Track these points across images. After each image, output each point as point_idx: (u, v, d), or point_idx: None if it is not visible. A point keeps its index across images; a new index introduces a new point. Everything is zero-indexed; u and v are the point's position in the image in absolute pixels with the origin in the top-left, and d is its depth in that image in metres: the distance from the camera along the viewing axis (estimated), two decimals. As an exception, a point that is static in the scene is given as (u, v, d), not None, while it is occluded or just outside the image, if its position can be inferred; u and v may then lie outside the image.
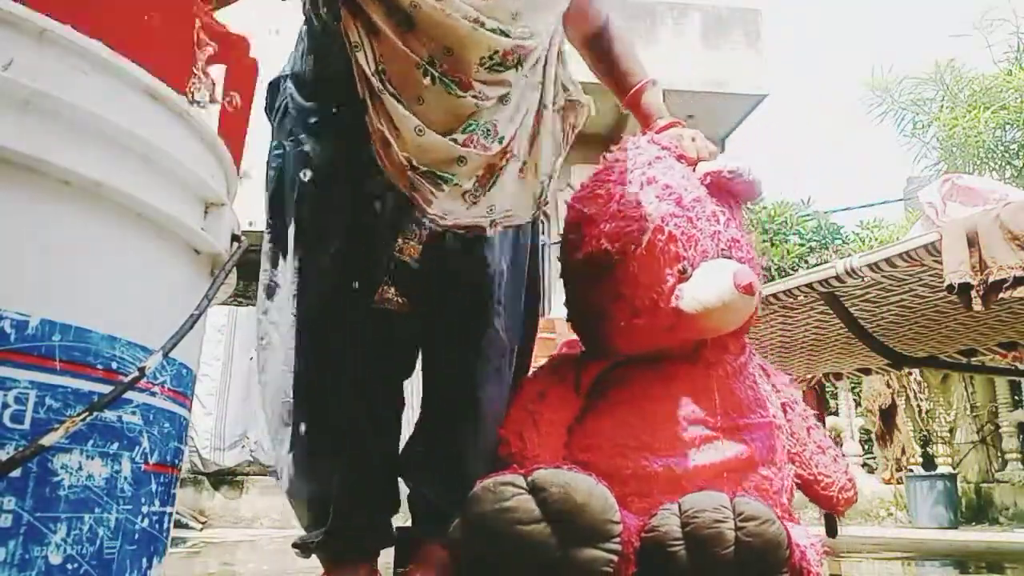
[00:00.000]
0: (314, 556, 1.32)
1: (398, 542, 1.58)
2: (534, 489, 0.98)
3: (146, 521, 0.70)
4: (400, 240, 1.32)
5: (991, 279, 1.86)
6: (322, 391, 1.27)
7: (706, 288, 1.25)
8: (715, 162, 1.41)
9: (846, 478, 1.48)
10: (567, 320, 1.49)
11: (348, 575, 1.25)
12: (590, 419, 1.33)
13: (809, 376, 3.71)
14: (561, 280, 1.47)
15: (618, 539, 0.99)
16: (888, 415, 6.11)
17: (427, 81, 1.15)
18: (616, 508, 1.01)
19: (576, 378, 1.37)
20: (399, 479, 1.39)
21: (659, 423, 1.26)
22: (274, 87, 1.45)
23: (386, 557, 1.38)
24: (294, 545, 1.34)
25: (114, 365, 0.65)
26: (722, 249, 1.32)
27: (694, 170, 1.41)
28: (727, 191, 1.41)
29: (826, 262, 3.00)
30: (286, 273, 1.30)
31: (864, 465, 6.53)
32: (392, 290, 1.33)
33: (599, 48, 1.59)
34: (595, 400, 1.35)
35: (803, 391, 5.15)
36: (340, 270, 1.26)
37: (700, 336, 1.32)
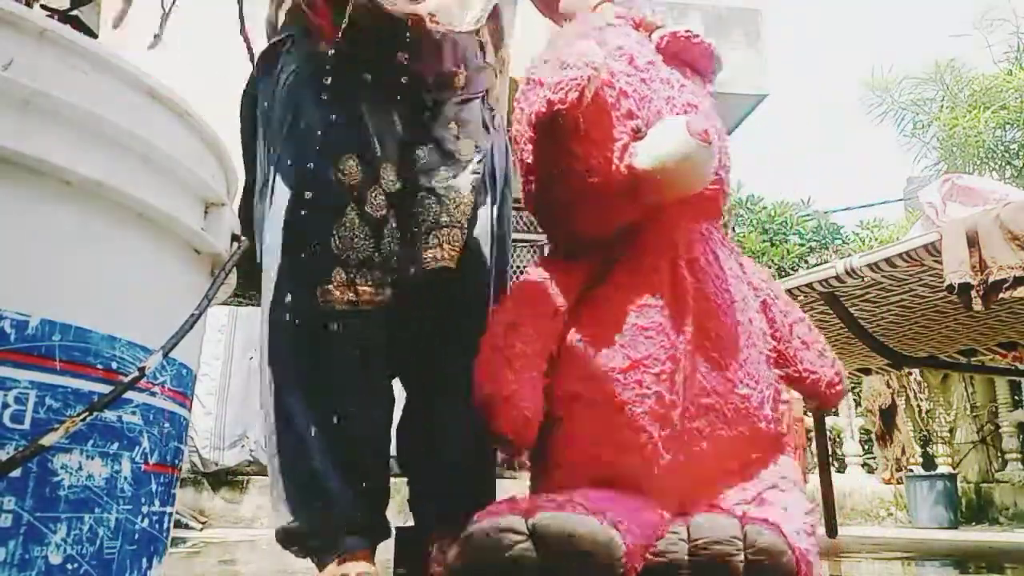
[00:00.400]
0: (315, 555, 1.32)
1: (398, 542, 1.59)
2: (535, 536, 0.92)
3: (146, 521, 0.70)
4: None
5: (991, 279, 1.86)
6: (309, 386, 1.28)
7: (660, 141, 1.18)
8: (671, 26, 1.38)
9: (833, 372, 1.40)
10: (534, 214, 1.40)
11: (348, 566, 1.24)
12: (576, 344, 1.23)
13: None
14: (521, 176, 1.36)
15: (622, 573, 0.94)
16: (888, 415, 6.11)
17: None
18: (621, 547, 0.94)
19: (553, 301, 1.26)
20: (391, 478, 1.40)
21: (647, 339, 1.18)
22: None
23: (385, 555, 1.38)
24: (280, 538, 1.34)
25: (114, 365, 0.65)
26: (677, 113, 1.25)
27: (649, 37, 1.37)
28: (685, 61, 1.37)
29: (826, 262, 3.00)
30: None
31: (864, 465, 6.52)
32: (368, 288, 1.29)
33: None
34: (578, 322, 1.25)
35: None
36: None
37: (661, 197, 1.22)
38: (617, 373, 1.18)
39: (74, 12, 1.21)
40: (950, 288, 1.94)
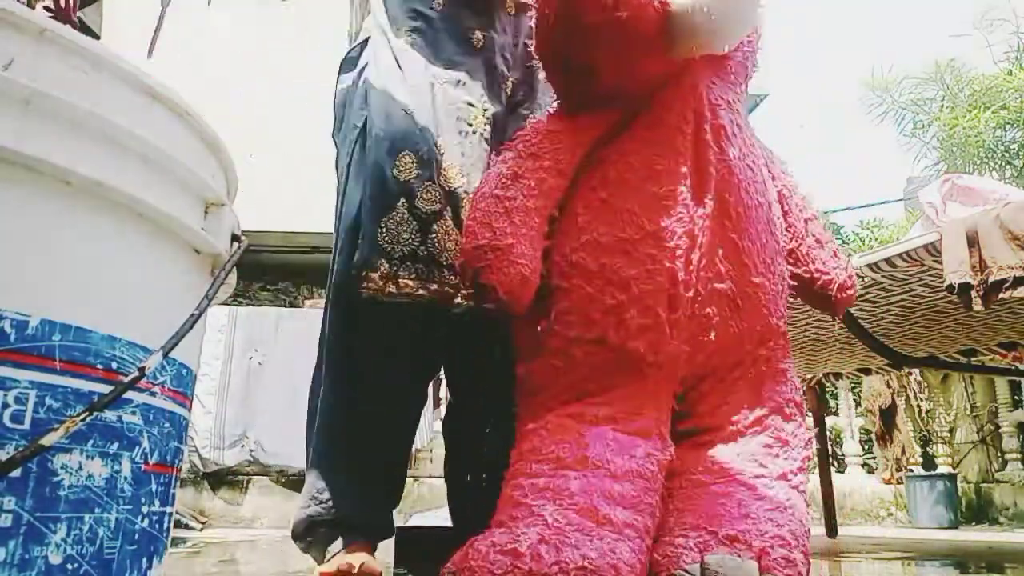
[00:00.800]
0: (314, 553, 1.34)
1: (398, 542, 1.60)
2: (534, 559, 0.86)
3: (146, 521, 0.70)
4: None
5: (991, 279, 1.86)
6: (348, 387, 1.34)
7: None
8: None
9: (846, 274, 1.29)
10: (543, 60, 1.22)
11: (347, 556, 1.27)
12: (581, 207, 1.10)
13: (809, 376, 3.71)
14: (535, 25, 1.18)
15: None
16: (888, 415, 6.11)
17: None
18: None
19: (558, 156, 1.11)
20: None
21: (663, 207, 1.05)
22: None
23: (386, 556, 1.38)
24: (294, 528, 1.37)
25: (114, 365, 0.65)
26: None
27: None
28: None
29: (826, 262, 3.00)
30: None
31: (864, 465, 6.52)
32: (408, 279, 1.30)
33: None
34: (586, 183, 1.12)
35: (803, 391, 5.15)
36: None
37: (693, 45, 1.06)
38: (626, 243, 1.05)
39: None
40: (950, 288, 1.94)
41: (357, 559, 1.24)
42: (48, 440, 0.57)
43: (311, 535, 1.33)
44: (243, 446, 4.92)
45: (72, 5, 1.05)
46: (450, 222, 1.31)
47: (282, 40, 5.72)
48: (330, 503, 1.30)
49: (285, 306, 5.56)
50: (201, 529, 4.49)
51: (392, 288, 1.27)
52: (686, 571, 0.93)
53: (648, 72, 1.11)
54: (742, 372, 1.13)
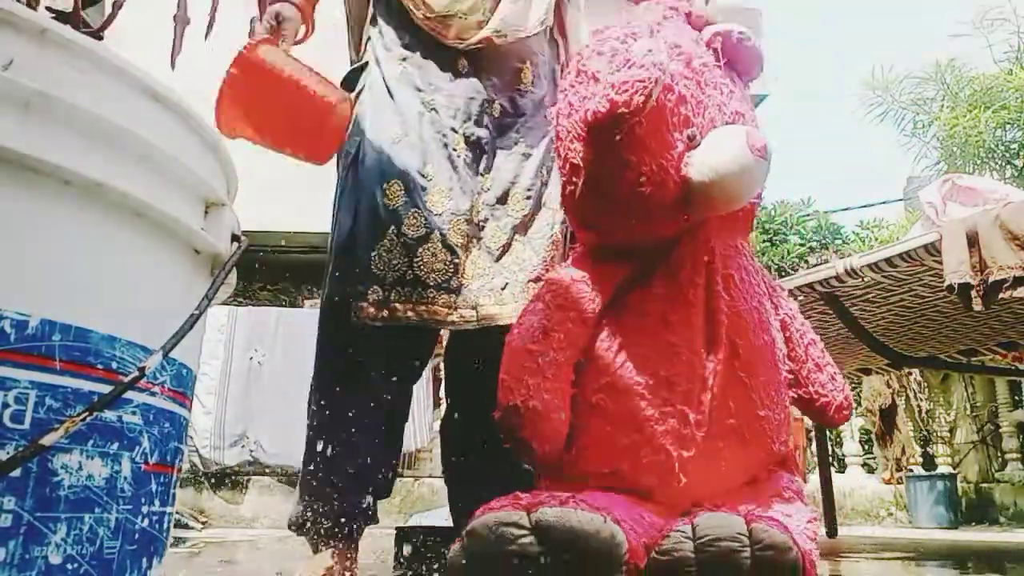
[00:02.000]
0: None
1: (397, 542, 1.61)
2: (538, 531, 0.91)
3: (146, 521, 0.70)
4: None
5: (991, 279, 1.86)
6: (338, 392, 1.39)
7: (718, 152, 1.14)
8: (725, 23, 1.33)
9: (843, 396, 1.41)
10: (565, 219, 1.39)
11: (335, 554, 1.33)
12: (603, 351, 1.19)
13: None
14: (562, 172, 1.27)
15: (625, 570, 0.94)
16: (888, 415, 6.11)
17: None
18: (624, 544, 0.94)
19: (583, 306, 1.21)
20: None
21: (676, 355, 1.15)
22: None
23: (386, 557, 1.39)
24: (290, 525, 1.42)
25: (114, 365, 0.65)
26: (727, 121, 1.22)
27: (701, 33, 1.32)
28: (731, 61, 1.33)
29: (826, 262, 3.00)
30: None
31: (864, 465, 6.52)
32: (403, 306, 1.35)
33: None
34: (608, 328, 1.21)
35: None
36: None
37: (712, 210, 1.19)
38: (642, 389, 1.13)
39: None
40: (950, 288, 1.94)
41: (322, 563, 1.30)
42: (48, 440, 0.57)
43: (301, 532, 1.40)
44: (243, 446, 4.92)
45: (77, 5, 1.05)
46: (437, 244, 1.36)
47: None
48: (313, 505, 1.36)
49: (285, 306, 5.56)
50: (201, 529, 4.49)
51: (384, 313, 1.33)
52: (678, 530, 0.98)
53: (668, 231, 1.22)
54: (746, 488, 1.22)
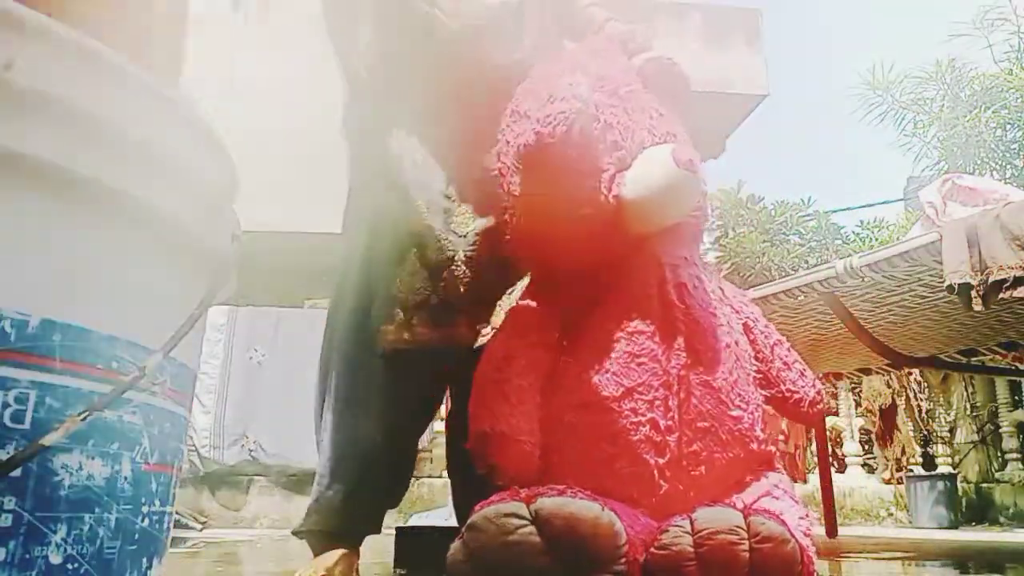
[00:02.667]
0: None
1: (398, 542, 1.61)
2: (538, 520, 0.93)
3: (146, 521, 0.70)
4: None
5: (991, 279, 1.86)
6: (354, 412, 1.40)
7: (647, 172, 1.21)
8: (652, 52, 1.44)
9: (814, 391, 1.45)
10: (515, 251, 1.39)
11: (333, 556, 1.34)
12: (569, 373, 1.24)
13: (809, 376, 3.71)
14: (505, 207, 1.34)
15: (624, 561, 0.95)
16: (888, 415, 6.11)
17: None
18: (623, 533, 0.96)
19: (543, 333, 1.28)
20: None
21: (639, 365, 1.19)
22: None
23: (386, 557, 1.39)
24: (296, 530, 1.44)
25: (114, 365, 0.65)
26: (658, 142, 1.28)
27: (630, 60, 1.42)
28: (663, 88, 1.41)
29: (826, 262, 3.00)
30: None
31: (864, 465, 6.52)
32: (419, 327, 1.35)
33: None
34: (570, 349, 1.26)
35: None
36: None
37: (648, 226, 1.25)
38: (611, 402, 1.17)
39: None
40: (950, 288, 1.94)
41: (323, 564, 1.31)
42: (48, 440, 0.57)
43: (303, 537, 1.42)
44: (243, 445, 4.92)
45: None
46: (462, 267, 1.35)
47: (283, 39, 5.71)
48: (322, 516, 1.38)
49: (285, 306, 5.56)
50: (201, 529, 4.49)
51: (407, 335, 1.33)
52: (677, 525, 1.00)
53: (609, 250, 1.28)
54: (734, 489, 1.24)
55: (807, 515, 1.18)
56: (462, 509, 1.54)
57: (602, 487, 1.15)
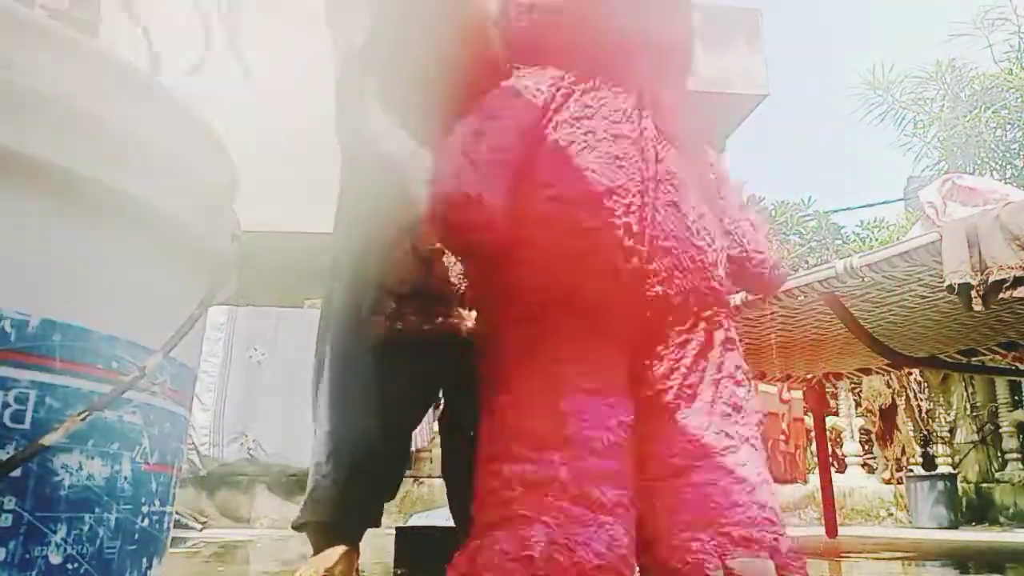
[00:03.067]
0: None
1: (398, 542, 1.61)
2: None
3: (146, 521, 0.70)
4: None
5: (991, 279, 1.86)
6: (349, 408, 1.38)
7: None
8: None
9: (777, 255, 1.42)
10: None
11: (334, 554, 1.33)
12: (546, 164, 1.20)
13: (809, 376, 3.71)
14: None
15: None
16: (888, 415, 6.11)
17: None
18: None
19: (518, 116, 1.21)
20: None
21: (618, 168, 1.19)
22: None
23: (386, 557, 1.39)
24: (293, 525, 1.44)
25: (114, 365, 0.65)
26: None
27: None
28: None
29: (826, 262, 3.00)
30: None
31: (864, 465, 6.52)
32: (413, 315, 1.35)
33: None
34: (549, 143, 1.22)
35: (803, 391, 5.16)
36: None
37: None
38: (588, 198, 1.14)
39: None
40: (950, 288, 1.94)
41: (323, 564, 1.30)
42: (48, 440, 0.57)
43: (303, 530, 1.41)
44: (242, 444, 4.92)
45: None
46: (452, 257, 1.36)
47: (283, 39, 5.71)
48: (319, 507, 1.37)
49: (285, 306, 5.56)
50: (201, 529, 4.49)
51: (399, 326, 1.33)
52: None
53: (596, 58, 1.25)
54: (691, 336, 1.21)
55: (760, 416, 1.20)
56: (457, 512, 1.54)
57: (565, 287, 1.14)
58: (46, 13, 1.02)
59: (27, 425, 0.58)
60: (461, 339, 1.36)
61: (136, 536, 0.68)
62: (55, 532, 0.59)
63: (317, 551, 1.37)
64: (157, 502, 0.72)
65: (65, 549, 0.60)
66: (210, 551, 2.82)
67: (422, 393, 1.46)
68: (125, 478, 0.66)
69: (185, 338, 0.70)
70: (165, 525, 0.75)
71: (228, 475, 4.98)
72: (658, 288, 1.16)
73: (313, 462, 1.42)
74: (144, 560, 0.70)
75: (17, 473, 0.57)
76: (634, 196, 1.15)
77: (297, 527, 1.43)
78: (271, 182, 5.00)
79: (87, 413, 0.61)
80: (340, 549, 1.34)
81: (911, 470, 6.02)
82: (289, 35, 5.99)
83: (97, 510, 0.63)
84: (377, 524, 1.44)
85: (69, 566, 0.60)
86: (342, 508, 1.36)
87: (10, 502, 0.56)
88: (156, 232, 0.71)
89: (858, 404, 6.65)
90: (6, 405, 0.57)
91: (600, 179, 1.15)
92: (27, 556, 0.57)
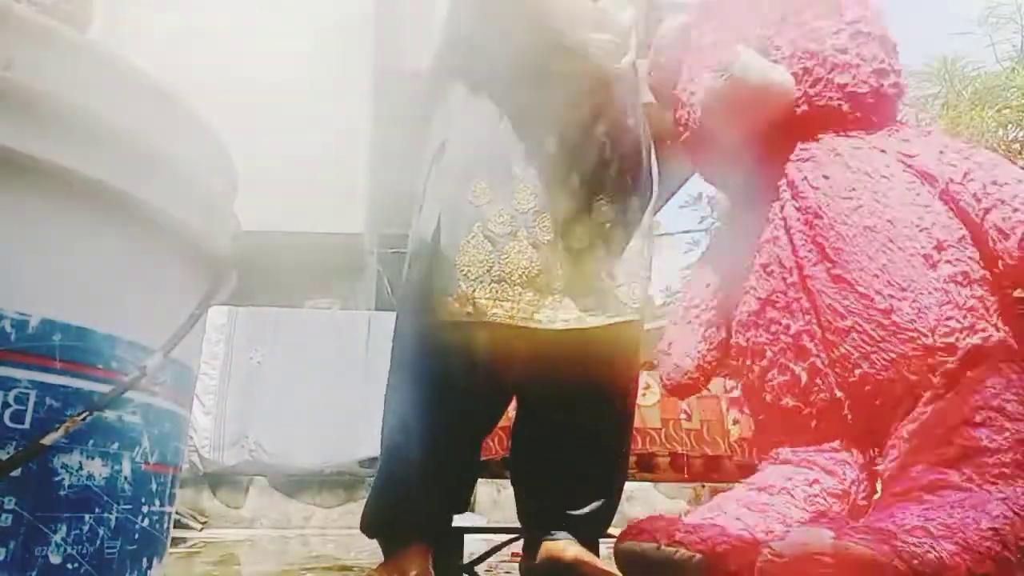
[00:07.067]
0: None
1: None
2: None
3: (146, 521, 0.70)
4: None
5: (992, 279, 1.85)
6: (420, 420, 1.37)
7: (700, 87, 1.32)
8: None
9: None
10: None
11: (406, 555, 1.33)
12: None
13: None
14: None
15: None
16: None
17: None
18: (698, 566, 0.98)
19: (717, 259, 1.41)
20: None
21: (766, 275, 1.29)
22: None
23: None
24: (361, 525, 1.44)
25: (114, 365, 0.65)
26: (757, 47, 1.33)
27: None
28: None
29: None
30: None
31: (865, 465, 6.52)
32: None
33: None
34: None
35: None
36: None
37: (730, 135, 1.32)
38: (753, 316, 1.22)
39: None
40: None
41: (410, 567, 1.29)
42: (48, 440, 0.57)
43: (377, 530, 1.40)
44: (243, 446, 4.92)
45: None
46: (524, 242, 1.34)
47: (284, 40, 5.72)
48: (395, 503, 1.37)
49: (285, 306, 5.56)
50: (201, 529, 4.49)
51: (469, 308, 1.31)
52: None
53: (760, 152, 1.29)
54: (916, 415, 1.06)
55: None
56: (528, 518, 1.52)
57: (763, 401, 1.21)
58: (35, 8, 1.02)
59: (27, 425, 0.58)
60: (538, 329, 1.33)
61: (136, 536, 0.68)
62: (55, 532, 0.59)
63: (388, 552, 1.36)
64: (157, 502, 0.72)
65: (65, 549, 0.60)
66: (210, 551, 2.82)
67: (488, 383, 1.40)
68: (125, 478, 0.66)
69: (185, 338, 0.70)
70: (165, 525, 0.75)
71: (228, 475, 4.99)
72: (857, 371, 1.08)
73: (380, 460, 1.42)
74: (144, 560, 0.70)
75: (17, 473, 0.57)
76: (787, 295, 1.18)
77: (365, 530, 1.41)
78: (271, 182, 5.01)
79: (87, 413, 0.61)
80: (412, 548, 1.32)
81: (912, 470, 6.00)
82: (289, 36, 6.00)
83: (97, 510, 0.63)
84: (445, 525, 1.44)
85: (69, 566, 0.60)
86: (408, 506, 1.35)
87: (10, 502, 0.56)
88: (156, 232, 0.71)
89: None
90: (6, 405, 0.57)
91: (758, 294, 1.24)
92: (27, 556, 0.57)
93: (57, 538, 0.59)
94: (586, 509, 1.41)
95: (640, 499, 4.92)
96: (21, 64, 0.59)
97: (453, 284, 1.32)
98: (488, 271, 1.32)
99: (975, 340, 1.05)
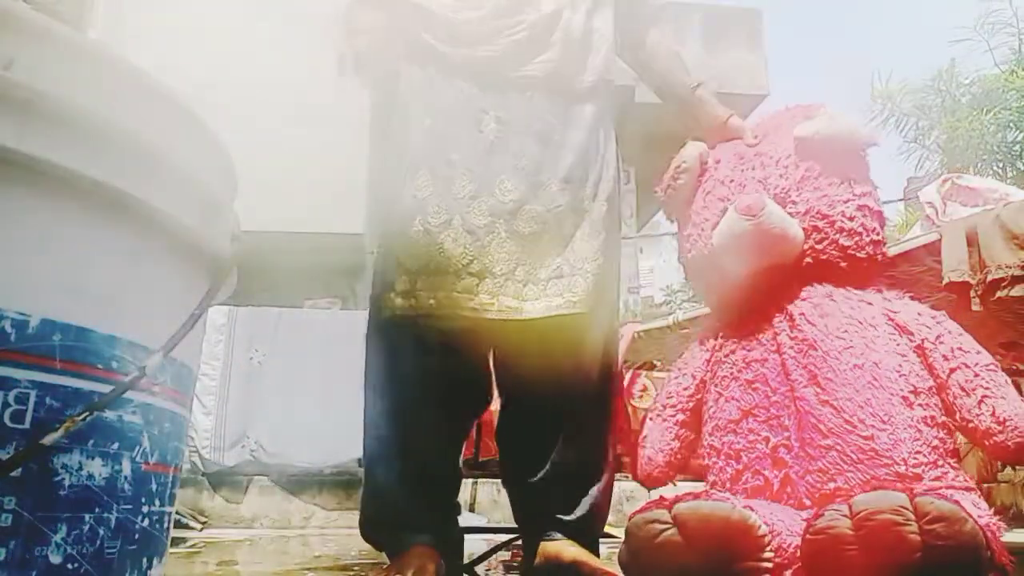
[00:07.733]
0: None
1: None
2: (677, 522, 1.03)
3: (146, 521, 0.70)
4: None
5: (989, 277, 1.86)
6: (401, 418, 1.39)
7: (724, 220, 1.38)
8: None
9: (991, 420, 1.28)
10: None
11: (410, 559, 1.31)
12: (710, 400, 1.44)
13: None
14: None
15: (770, 549, 1.01)
16: (888, 415, 6.10)
17: None
18: (760, 525, 1.02)
19: (693, 366, 1.51)
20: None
21: (753, 391, 1.36)
22: None
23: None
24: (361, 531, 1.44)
25: (114, 365, 0.65)
26: (775, 195, 1.41)
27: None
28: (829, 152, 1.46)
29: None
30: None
31: (864, 465, 6.52)
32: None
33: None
34: (711, 382, 1.46)
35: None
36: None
37: (735, 269, 1.41)
38: (732, 424, 1.35)
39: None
40: (949, 287, 1.94)
41: (408, 568, 1.27)
42: (48, 440, 0.57)
43: (377, 534, 1.40)
44: (243, 446, 4.92)
45: None
46: (458, 229, 1.32)
47: (285, 40, 5.72)
48: (380, 507, 1.37)
49: (285, 306, 5.56)
50: (201, 529, 4.49)
51: (412, 302, 1.31)
52: (834, 509, 0.98)
53: (732, 288, 1.46)
54: None
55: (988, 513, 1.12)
56: (522, 522, 1.52)
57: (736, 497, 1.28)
58: (29, 6, 1.02)
59: (27, 425, 0.58)
60: (495, 321, 1.31)
61: (136, 536, 0.68)
62: (55, 532, 0.59)
63: (391, 553, 1.35)
64: (157, 502, 0.72)
65: (65, 549, 0.60)
66: (210, 551, 2.82)
67: (438, 375, 1.38)
68: (125, 478, 0.66)
69: (185, 338, 0.70)
70: (165, 525, 0.75)
71: (228, 475, 4.98)
72: (830, 486, 1.19)
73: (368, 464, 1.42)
74: (144, 560, 0.70)
75: (17, 473, 0.57)
76: (769, 410, 1.31)
77: (364, 534, 1.41)
78: (271, 182, 5.01)
79: (87, 413, 0.61)
80: (415, 551, 1.30)
81: (911, 470, 6.01)
82: (289, 35, 6.00)
83: (97, 510, 0.63)
84: (442, 521, 1.42)
85: (69, 566, 0.60)
86: (391, 508, 1.35)
87: (10, 502, 0.56)
88: (156, 232, 0.71)
89: (858, 404, 6.64)
90: (6, 405, 0.57)
91: (742, 406, 1.35)
92: (27, 556, 0.57)
93: (57, 538, 0.59)
94: (577, 513, 1.40)
95: (640, 499, 4.93)
96: (21, 64, 0.59)
97: (399, 280, 1.32)
98: (426, 263, 1.31)
99: (936, 473, 1.22)
